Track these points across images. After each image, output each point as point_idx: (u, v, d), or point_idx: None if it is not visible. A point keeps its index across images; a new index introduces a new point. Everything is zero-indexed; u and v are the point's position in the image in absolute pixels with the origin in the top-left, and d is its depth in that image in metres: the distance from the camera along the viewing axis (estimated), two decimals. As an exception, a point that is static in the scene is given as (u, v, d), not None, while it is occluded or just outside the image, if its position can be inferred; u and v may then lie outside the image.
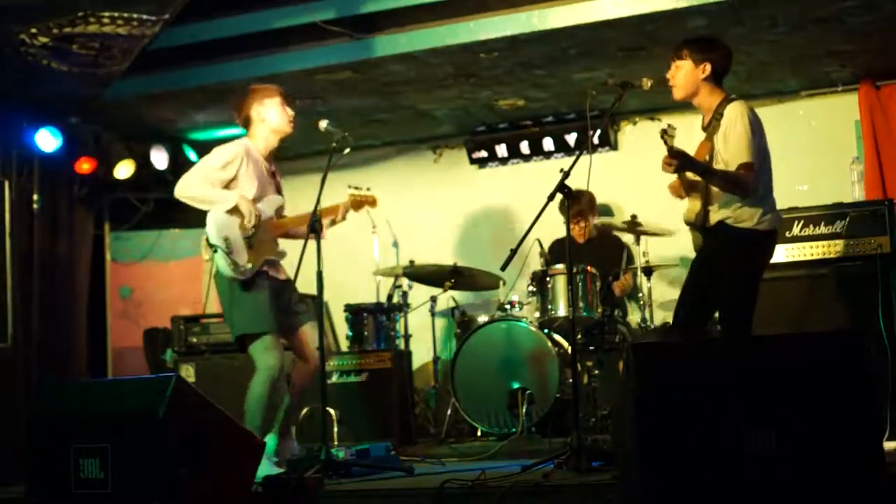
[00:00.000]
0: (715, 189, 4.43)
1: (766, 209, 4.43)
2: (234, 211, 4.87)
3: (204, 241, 4.98)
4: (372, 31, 6.11)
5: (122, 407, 3.75)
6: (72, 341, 7.05)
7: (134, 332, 7.35)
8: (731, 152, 4.37)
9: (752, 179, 4.35)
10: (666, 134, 4.27)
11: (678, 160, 4.31)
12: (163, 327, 7.14)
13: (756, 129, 4.40)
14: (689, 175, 4.50)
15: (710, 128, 4.50)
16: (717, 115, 4.48)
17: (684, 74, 4.54)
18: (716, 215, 4.45)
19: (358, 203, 5.24)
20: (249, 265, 4.88)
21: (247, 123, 5.10)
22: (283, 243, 5.22)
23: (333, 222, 5.16)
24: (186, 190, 4.91)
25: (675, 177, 4.65)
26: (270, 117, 5.07)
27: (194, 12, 5.81)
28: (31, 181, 6.79)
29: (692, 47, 4.54)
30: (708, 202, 4.46)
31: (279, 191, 5.21)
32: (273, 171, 5.20)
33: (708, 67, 4.51)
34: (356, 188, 5.28)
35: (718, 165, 4.41)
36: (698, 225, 4.52)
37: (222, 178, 4.91)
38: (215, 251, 4.86)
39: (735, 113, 4.41)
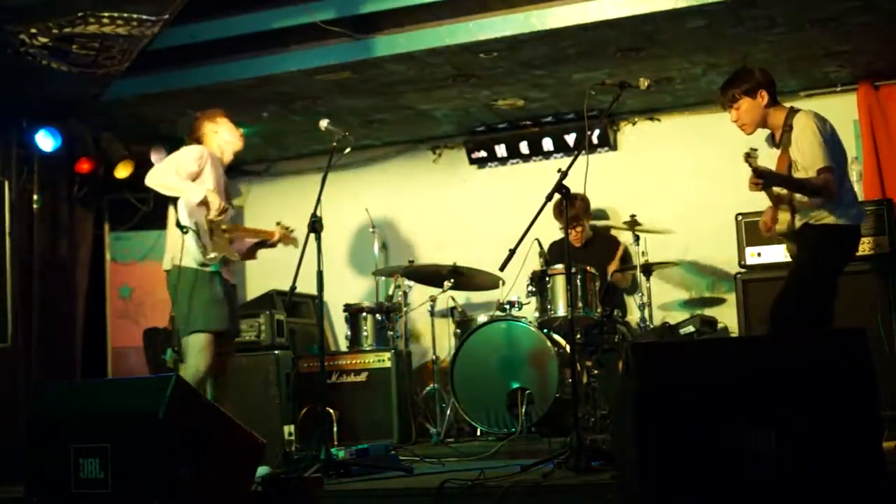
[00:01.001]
0: (799, 197, 4.56)
1: (846, 204, 4.53)
2: (202, 203, 5.07)
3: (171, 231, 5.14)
4: (372, 31, 6.11)
5: (122, 407, 3.75)
6: (72, 341, 7.05)
7: (134, 332, 7.34)
8: (807, 160, 4.48)
9: (834, 182, 4.46)
10: (749, 157, 4.38)
11: (764, 179, 4.42)
12: (163, 327, 7.13)
13: (826, 133, 4.53)
14: (776, 189, 4.62)
15: (784, 141, 4.61)
16: (787, 127, 4.60)
17: (747, 111, 4.66)
18: (801, 221, 4.58)
19: (284, 239, 5.54)
20: (214, 254, 5.06)
21: (200, 140, 5.36)
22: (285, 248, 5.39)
23: (258, 246, 5.51)
24: (158, 177, 5.12)
25: (767, 217, 4.77)
26: (223, 132, 5.38)
27: (194, 12, 5.80)
28: (31, 181, 6.79)
29: (739, 87, 4.67)
30: (795, 211, 4.59)
31: (229, 201, 5.42)
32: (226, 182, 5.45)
33: (765, 94, 4.65)
34: (286, 227, 5.56)
35: (798, 174, 4.53)
36: (790, 234, 4.65)
37: (190, 172, 5.13)
38: (186, 232, 4.98)
39: (803, 122, 4.55)
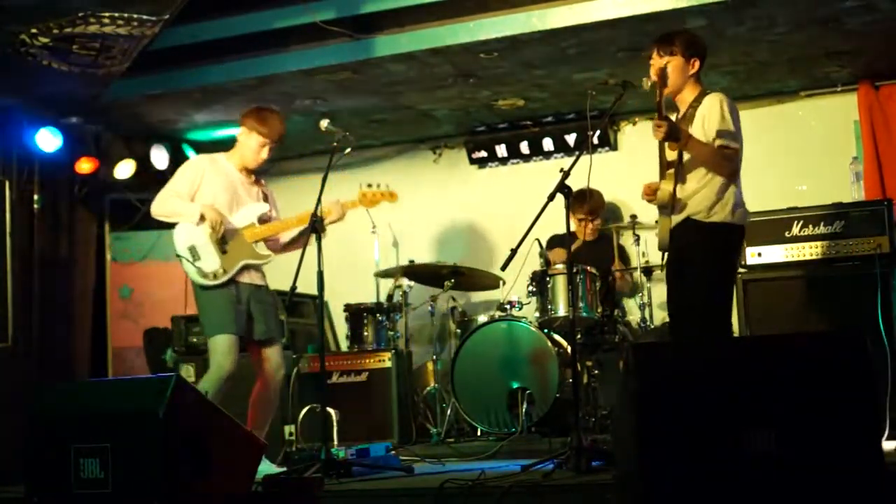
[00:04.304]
0: (688, 172, 4.40)
1: (737, 201, 4.39)
2: (203, 220, 5.08)
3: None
4: (372, 31, 6.11)
5: (122, 407, 3.75)
6: (72, 341, 7.05)
7: (134, 332, 7.35)
8: (711, 136, 4.34)
9: (736, 159, 4.33)
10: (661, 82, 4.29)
11: (667, 123, 4.28)
12: (163, 327, 7.14)
13: (735, 116, 4.39)
14: (668, 155, 4.47)
15: (686, 117, 4.47)
16: (695, 103, 4.46)
17: (674, 69, 4.47)
18: (685, 209, 4.41)
19: (370, 201, 5.39)
20: (222, 270, 5.07)
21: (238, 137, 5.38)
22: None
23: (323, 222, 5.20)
24: (159, 207, 5.19)
25: (654, 178, 4.62)
26: (246, 148, 5.30)
27: (194, 12, 5.81)
28: (31, 181, 6.79)
29: (683, 42, 4.49)
30: (676, 186, 4.42)
31: (266, 199, 5.38)
32: (256, 180, 5.40)
33: (697, 63, 4.50)
34: (369, 185, 5.40)
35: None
36: (667, 207, 4.45)
37: (190, 191, 5.17)
38: (182, 261, 5.10)
39: (715, 100, 4.40)
